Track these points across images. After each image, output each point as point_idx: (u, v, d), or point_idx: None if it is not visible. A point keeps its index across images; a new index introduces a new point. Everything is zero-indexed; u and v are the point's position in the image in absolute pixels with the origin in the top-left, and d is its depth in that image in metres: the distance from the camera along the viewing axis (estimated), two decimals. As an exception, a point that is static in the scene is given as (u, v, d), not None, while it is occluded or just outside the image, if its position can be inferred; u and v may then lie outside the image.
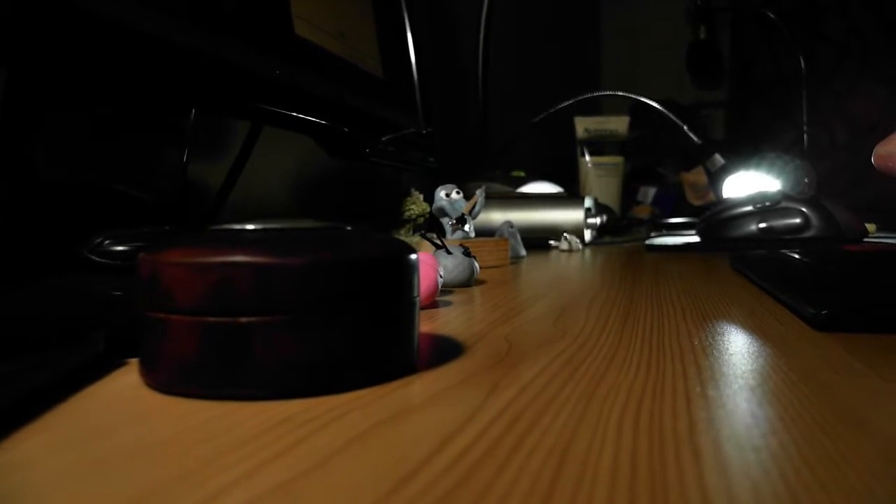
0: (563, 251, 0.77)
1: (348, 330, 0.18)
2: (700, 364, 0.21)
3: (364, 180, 0.73)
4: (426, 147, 0.71)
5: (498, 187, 0.86)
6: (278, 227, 0.20)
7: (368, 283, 0.19)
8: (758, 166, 0.96)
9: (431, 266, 0.38)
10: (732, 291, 0.41)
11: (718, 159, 1.00)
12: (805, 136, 1.36)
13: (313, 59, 0.49)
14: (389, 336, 0.20)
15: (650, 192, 1.46)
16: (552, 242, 0.79)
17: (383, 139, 0.60)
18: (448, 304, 0.38)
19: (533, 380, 0.20)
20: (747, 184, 0.99)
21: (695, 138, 1.02)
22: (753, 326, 0.28)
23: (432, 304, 0.37)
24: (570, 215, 0.82)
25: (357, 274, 0.18)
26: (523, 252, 0.68)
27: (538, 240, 0.80)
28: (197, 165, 0.56)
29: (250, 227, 0.20)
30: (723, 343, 0.25)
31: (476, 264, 0.44)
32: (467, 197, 0.60)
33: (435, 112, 0.82)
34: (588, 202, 0.86)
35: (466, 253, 0.44)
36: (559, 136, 1.47)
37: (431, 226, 0.62)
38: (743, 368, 0.21)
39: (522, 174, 0.96)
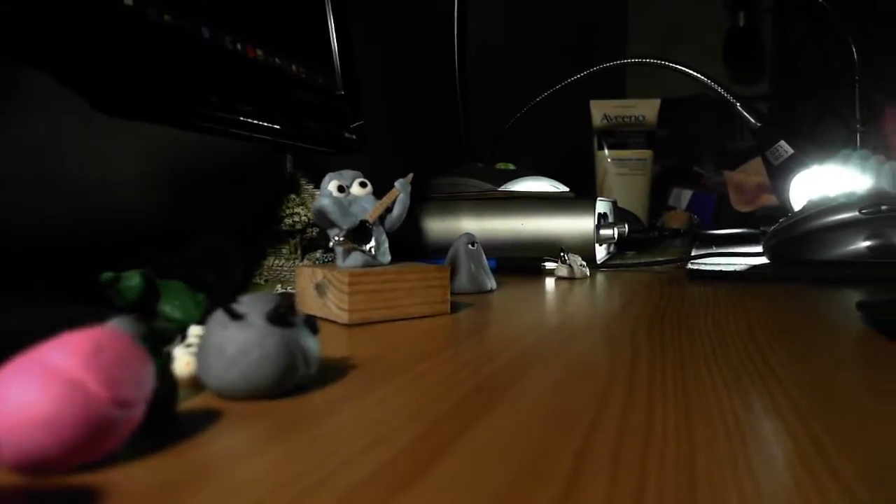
0: (560, 279, 0.51)
1: None
2: None
3: (233, 168, 0.48)
4: (346, 115, 0.46)
5: (472, 183, 0.61)
6: None
7: None
8: (843, 161, 0.69)
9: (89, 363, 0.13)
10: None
11: (785, 148, 0.74)
12: (858, 136, 1.09)
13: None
14: None
15: (685, 196, 1.19)
16: (547, 265, 0.53)
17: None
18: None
19: None
20: (823, 184, 0.72)
21: (752, 120, 0.75)
22: None
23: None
24: (574, 224, 0.56)
25: None
26: (490, 284, 0.43)
27: (527, 261, 0.54)
28: None
29: None
30: None
31: (309, 343, 0.19)
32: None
33: (368, 65, 0.57)
34: (602, 206, 0.60)
35: (282, 318, 0.18)
36: (572, 124, 1.21)
37: (357, 240, 0.37)
38: None
39: (511, 166, 0.70)
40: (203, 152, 0.45)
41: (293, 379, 0.18)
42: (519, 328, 0.30)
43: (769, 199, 1.16)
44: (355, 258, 0.32)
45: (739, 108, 0.76)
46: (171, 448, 0.15)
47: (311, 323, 0.19)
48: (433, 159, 0.85)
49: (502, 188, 0.60)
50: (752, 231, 0.83)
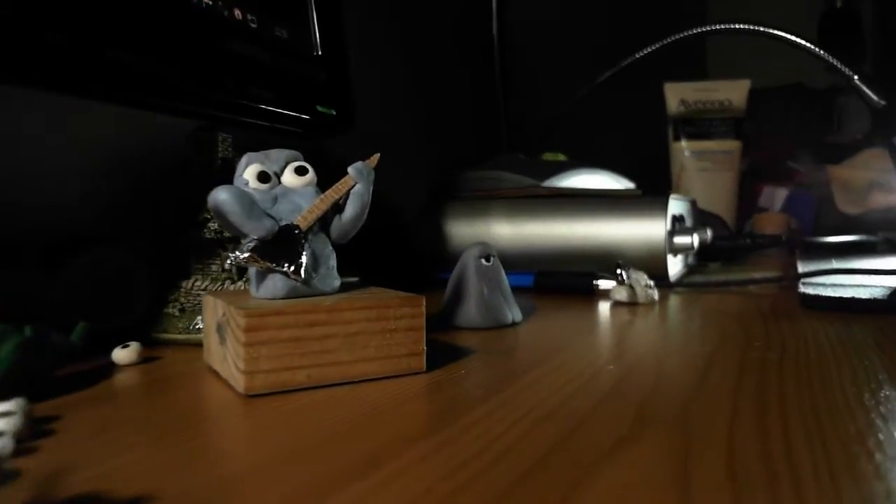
0: (618, 304, 0.38)
1: None
2: None
3: (142, 150, 0.36)
4: (322, 84, 0.34)
5: (508, 178, 0.48)
6: None
7: None
8: None
9: None
10: None
11: (920, 132, 0.57)
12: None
13: None
14: None
15: (779, 195, 1.02)
16: (600, 284, 0.40)
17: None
18: None
19: None
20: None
21: (875, 98, 0.59)
22: None
23: None
24: (639, 229, 0.43)
25: None
26: (512, 315, 0.30)
27: (574, 278, 0.41)
28: None
29: None
30: None
31: None
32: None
33: (390, 33, 0.46)
34: (677, 206, 0.46)
35: None
36: (641, 110, 1.07)
37: (276, 255, 0.25)
38: None
39: (561, 157, 0.57)
40: (97, 128, 0.33)
41: None
42: (541, 403, 0.18)
43: (883, 200, 0.97)
44: (274, 284, 0.20)
45: (857, 81, 0.60)
46: None
47: None
48: (470, 151, 0.73)
49: (546, 184, 0.47)
50: (870, 238, 0.66)
